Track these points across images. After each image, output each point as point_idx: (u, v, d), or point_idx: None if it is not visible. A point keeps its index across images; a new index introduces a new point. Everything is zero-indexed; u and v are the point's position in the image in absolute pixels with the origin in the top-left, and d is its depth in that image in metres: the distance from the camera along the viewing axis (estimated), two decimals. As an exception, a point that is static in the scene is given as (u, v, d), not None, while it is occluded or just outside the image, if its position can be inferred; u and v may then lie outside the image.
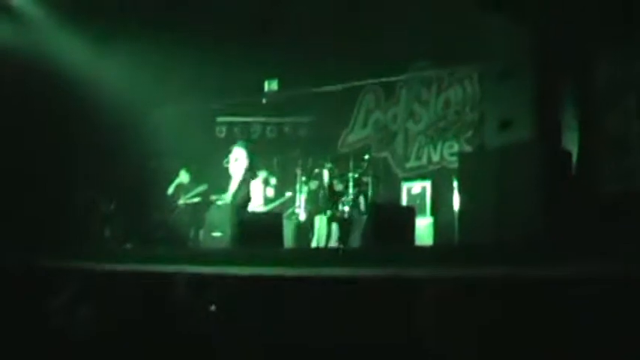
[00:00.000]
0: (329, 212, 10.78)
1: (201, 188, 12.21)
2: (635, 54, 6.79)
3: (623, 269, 4.04)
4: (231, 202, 10.13)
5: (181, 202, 12.18)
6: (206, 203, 11.97)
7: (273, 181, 12.35)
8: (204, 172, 12.24)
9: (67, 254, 7.79)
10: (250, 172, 10.26)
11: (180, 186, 12.32)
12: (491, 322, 4.64)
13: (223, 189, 11.22)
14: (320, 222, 10.62)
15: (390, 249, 6.27)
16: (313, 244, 10.39)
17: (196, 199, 12.23)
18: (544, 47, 6.43)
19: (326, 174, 11.29)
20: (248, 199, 10.20)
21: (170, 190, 12.30)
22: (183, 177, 12.33)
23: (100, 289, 7.12)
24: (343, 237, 10.45)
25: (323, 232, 10.51)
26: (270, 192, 12.19)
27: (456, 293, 4.96)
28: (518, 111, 6.14)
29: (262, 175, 12.06)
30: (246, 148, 10.49)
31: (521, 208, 5.64)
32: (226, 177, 10.56)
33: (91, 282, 7.20)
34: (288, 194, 12.44)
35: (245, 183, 10.10)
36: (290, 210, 12.19)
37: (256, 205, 11.63)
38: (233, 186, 10.17)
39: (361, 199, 11.33)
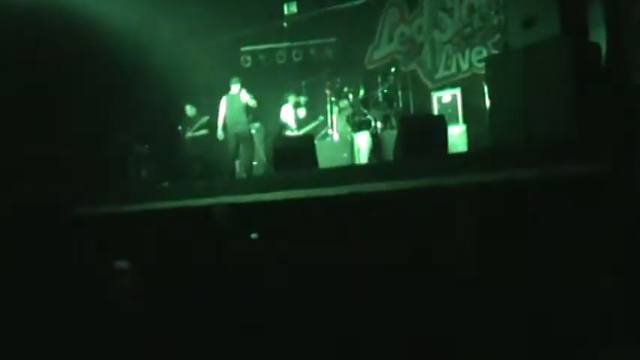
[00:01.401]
0: (364, 129, 10.83)
1: (204, 120, 12.33)
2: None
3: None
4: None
5: (188, 135, 12.33)
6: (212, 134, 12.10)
7: (303, 100, 12.37)
8: (211, 104, 12.32)
9: (108, 199, 7.93)
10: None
11: (186, 120, 12.49)
12: (527, 223, 4.68)
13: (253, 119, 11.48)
14: (365, 139, 10.66)
15: (423, 159, 6.28)
16: (363, 161, 10.45)
17: (203, 132, 12.38)
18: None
19: (359, 93, 11.36)
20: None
21: (180, 126, 12.51)
22: (189, 111, 12.45)
23: (141, 229, 7.25)
24: (378, 152, 10.51)
25: (368, 148, 10.57)
26: (302, 113, 12.24)
27: (493, 197, 4.99)
28: (542, 8, 6.01)
29: (292, 99, 12.10)
30: (240, 82, 11.25)
31: (550, 106, 5.59)
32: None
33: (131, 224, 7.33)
34: (321, 118, 12.47)
35: None
36: (323, 131, 12.22)
37: (289, 130, 11.78)
38: (220, 120, 11.24)
39: (392, 114, 11.35)
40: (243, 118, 11.25)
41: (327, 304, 5.52)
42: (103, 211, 7.53)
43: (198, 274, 6.39)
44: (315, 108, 12.69)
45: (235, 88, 11.23)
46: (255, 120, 12.00)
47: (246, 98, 11.05)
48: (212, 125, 11.97)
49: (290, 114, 12.01)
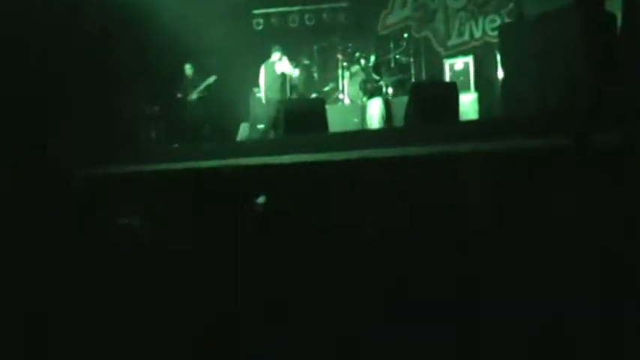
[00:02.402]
0: (376, 95, 10.82)
1: (211, 80, 12.31)
2: None
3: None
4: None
5: (194, 97, 12.30)
6: (214, 96, 12.20)
7: (313, 66, 12.37)
8: (220, 64, 12.39)
9: (118, 158, 7.96)
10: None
11: (186, 81, 12.41)
12: (536, 193, 4.69)
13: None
14: (377, 105, 10.64)
15: (434, 126, 6.29)
16: (374, 126, 10.43)
17: (203, 94, 12.39)
18: None
19: (371, 59, 11.36)
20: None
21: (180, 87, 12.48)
22: (188, 71, 12.40)
23: (152, 190, 7.29)
24: (389, 118, 10.49)
25: (380, 114, 10.54)
26: (312, 78, 12.26)
27: (502, 165, 5.00)
28: (557, -24, 5.98)
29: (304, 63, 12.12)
30: (281, 51, 11.42)
31: (563, 75, 5.58)
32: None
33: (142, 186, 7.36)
34: (330, 84, 12.46)
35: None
36: (334, 95, 12.21)
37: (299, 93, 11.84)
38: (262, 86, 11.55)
39: (404, 80, 11.34)
40: (277, 86, 11.36)
41: (333, 270, 5.57)
42: (114, 171, 7.59)
43: (208, 236, 6.44)
44: (326, 72, 12.68)
45: (275, 56, 11.37)
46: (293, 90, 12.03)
47: (281, 68, 11.20)
48: (217, 86, 12.14)
49: (301, 78, 12.08)
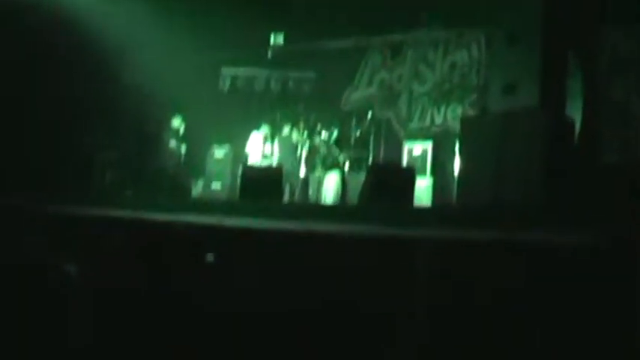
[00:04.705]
0: (334, 169, 10.86)
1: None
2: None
3: (614, 240, 4.08)
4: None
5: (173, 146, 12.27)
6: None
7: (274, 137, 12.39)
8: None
9: (67, 198, 7.80)
10: None
11: (170, 131, 12.32)
12: (482, 284, 4.69)
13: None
14: (334, 180, 10.66)
15: (388, 208, 6.31)
16: (329, 200, 10.42)
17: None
18: (553, 14, 6.40)
19: (334, 132, 11.47)
20: None
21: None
22: (175, 122, 12.34)
23: (93, 235, 7.12)
24: (344, 194, 10.52)
25: (335, 189, 10.55)
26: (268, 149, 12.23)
27: (451, 254, 5.00)
28: (523, 76, 6.11)
29: (265, 129, 12.11)
30: (291, 123, 12.20)
31: (520, 173, 5.67)
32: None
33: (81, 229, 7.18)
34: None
35: None
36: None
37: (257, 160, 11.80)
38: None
39: (362, 158, 11.41)
40: (293, 158, 11.71)
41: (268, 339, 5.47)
42: (58, 210, 7.42)
43: (144, 292, 6.29)
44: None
45: (286, 129, 11.79)
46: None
47: (296, 139, 11.35)
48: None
49: (257, 144, 12.05)
